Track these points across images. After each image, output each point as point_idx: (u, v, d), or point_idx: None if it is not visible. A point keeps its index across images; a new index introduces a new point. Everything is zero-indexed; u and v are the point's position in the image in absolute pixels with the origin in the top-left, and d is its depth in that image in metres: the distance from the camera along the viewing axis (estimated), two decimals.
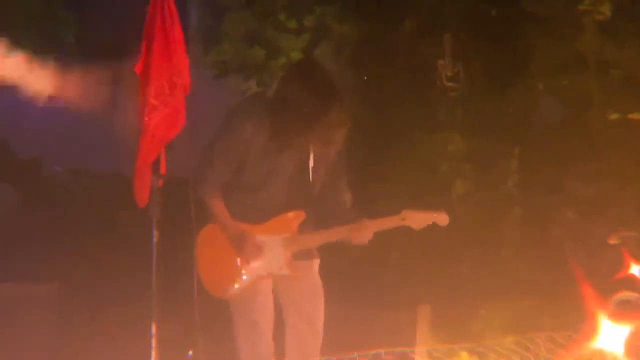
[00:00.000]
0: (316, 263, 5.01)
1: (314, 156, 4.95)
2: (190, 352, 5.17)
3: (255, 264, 4.89)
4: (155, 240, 4.60)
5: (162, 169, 4.77)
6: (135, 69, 4.63)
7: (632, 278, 6.55)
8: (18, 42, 4.41)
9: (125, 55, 4.95)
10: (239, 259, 4.90)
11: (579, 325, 6.03)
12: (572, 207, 7.97)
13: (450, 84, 8.13)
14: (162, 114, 4.67)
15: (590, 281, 6.81)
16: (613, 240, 6.84)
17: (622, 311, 6.05)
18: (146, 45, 4.67)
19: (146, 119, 4.61)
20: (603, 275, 6.88)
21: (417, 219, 4.92)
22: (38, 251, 7.13)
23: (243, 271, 4.90)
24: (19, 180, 8.29)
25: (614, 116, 7.95)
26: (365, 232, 4.89)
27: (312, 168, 4.93)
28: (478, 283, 7.33)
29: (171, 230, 4.79)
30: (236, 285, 4.90)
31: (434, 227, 4.97)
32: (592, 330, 5.77)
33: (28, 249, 7.06)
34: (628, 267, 6.57)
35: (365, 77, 8.32)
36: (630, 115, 7.92)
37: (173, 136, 4.77)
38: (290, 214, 4.94)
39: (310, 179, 4.92)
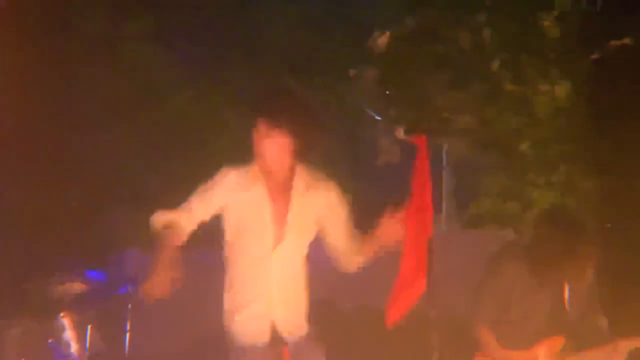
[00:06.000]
0: None
1: (569, 288, 5.36)
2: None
3: None
4: None
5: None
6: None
7: None
8: None
9: None
10: None
11: None
12: None
13: None
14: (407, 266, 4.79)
15: None
16: None
17: None
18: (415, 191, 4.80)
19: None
20: None
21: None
22: None
23: None
24: None
25: None
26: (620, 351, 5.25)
27: (568, 298, 5.36)
28: None
29: None
30: None
31: None
32: None
33: None
34: None
35: (610, 226, 8.44)
36: None
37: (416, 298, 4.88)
38: (552, 339, 5.40)
39: (567, 309, 5.37)
